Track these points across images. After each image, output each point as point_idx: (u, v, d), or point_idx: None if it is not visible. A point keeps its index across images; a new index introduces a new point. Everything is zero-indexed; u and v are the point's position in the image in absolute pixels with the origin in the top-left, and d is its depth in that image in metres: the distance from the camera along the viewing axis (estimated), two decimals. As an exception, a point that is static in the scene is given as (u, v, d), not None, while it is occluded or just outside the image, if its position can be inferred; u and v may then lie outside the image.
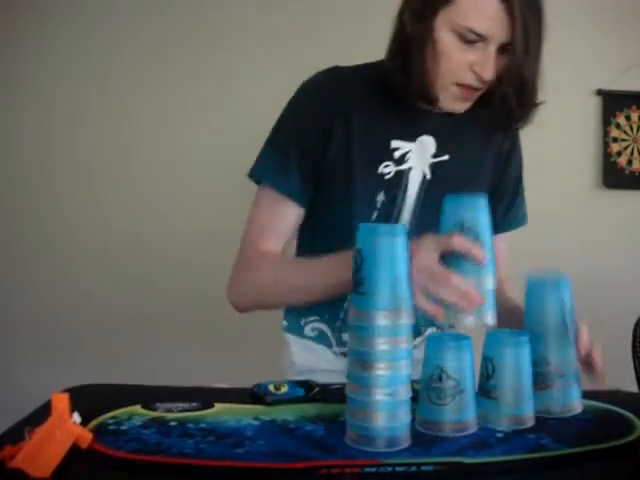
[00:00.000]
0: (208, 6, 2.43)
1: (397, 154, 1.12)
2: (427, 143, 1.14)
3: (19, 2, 2.41)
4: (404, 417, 0.83)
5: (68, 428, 0.80)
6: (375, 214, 1.13)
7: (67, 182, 2.45)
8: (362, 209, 1.12)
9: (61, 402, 0.81)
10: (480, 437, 0.87)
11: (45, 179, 2.45)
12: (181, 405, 0.96)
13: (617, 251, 2.51)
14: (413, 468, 0.77)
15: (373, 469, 0.77)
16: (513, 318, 1.05)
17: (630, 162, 2.54)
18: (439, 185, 1.13)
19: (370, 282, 0.81)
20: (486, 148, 1.19)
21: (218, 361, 2.34)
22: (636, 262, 2.51)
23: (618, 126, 2.53)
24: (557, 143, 2.31)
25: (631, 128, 2.54)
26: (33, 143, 2.45)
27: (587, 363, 0.98)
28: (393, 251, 0.82)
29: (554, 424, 0.93)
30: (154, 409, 0.95)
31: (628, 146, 2.54)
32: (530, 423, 0.92)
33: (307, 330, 1.23)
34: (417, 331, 1.21)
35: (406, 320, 0.82)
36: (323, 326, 1.22)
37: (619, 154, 2.54)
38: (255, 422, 0.91)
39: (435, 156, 1.14)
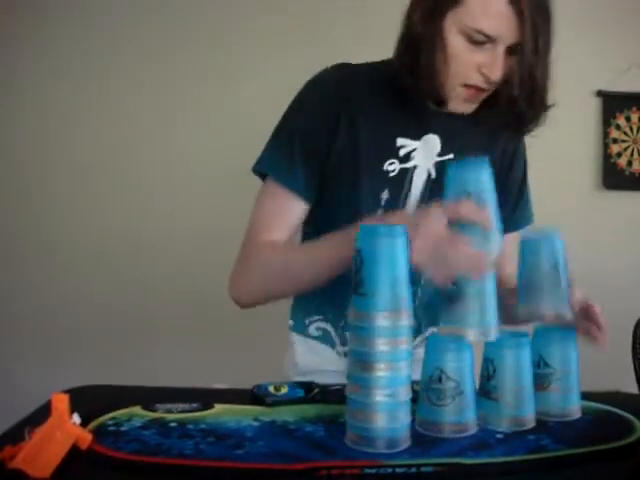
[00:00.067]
0: (208, 6, 2.43)
1: (402, 152, 1.12)
2: (432, 142, 1.14)
3: (19, 2, 2.41)
4: (404, 418, 0.83)
5: (68, 429, 0.80)
6: (380, 212, 1.13)
7: (67, 182, 2.46)
8: (367, 207, 1.12)
9: (61, 403, 0.81)
10: (480, 438, 0.87)
11: (45, 179, 2.46)
12: (181, 406, 0.96)
13: (617, 252, 2.51)
14: (413, 469, 0.77)
15: (373, 470, 0.77)
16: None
17: (630, 163, 2.54)
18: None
19: (370, 283, 0.81)
20: (491, 148, 1.19)
21: (218, 361, 2.34)
22: (636, 262, 2.52)
23: (618, 127, 2.53)
24: (557, 144, 2.31)
25: (631, 129, 2.54)
26: (33, 143, 2.45)
27: (586, 328, 0.98)
28: (393, 252, 0.81)
29: (554, 425, 0.93)
30: (154, 410, 0.94)
31: (628, 147, 2.54)
32: (531, 424, 0.92)
33: (311, 329, 1.23)
34: (418, 330, 1.21)
35: (406, 321, 0.82)
36: (327, 326, 1.22)
37: (619, 155, 2.54)
38: (255, 423, 0.91)
39: (440, 155, 1.14)
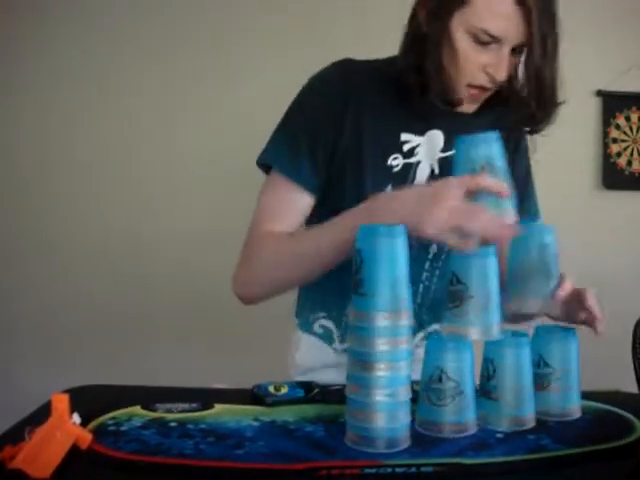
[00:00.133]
0: (208, 6, 2.43)
1: (406, 147, 1.12)
2: (436, 137, 1.14)
3: (19, 2, 2.41)
4: (404, 418, 0.83)
5: (68, 429, 0.80)
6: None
7: (67, 182, 2.45)
8: None
9: (61, 403, 0.81)
10: (480, 438, 0.87)
11: (45, 179, 2.45)
12: (181, 406, 0.96)
13: (617, 251, 2.52)
14: (413, 469, 0.77)
15: (373, 470, 0.77)
16: None
17: (630, 163, 2.54)
18: None
19: (370, 283, 0.81)
20: None
21: (218, 361, 2.34)
22: (636, 262, 2.52)
23: (618, 127, 2.54)
24: (557, 144, 2.30)
25: (631, 129, 2.54)
26: (33, 143, 2.45)
27: (583, 317, 0.99)
28: (393, 252, 0.82)
29: (554, 425, 0.93)
30: (154, 410, 0.94)
31: (628, 147, 2.54)
32: (531, 424, 0.92)
33: (316, 327, 1.24)
34: (420, 326, 1.20)
35: (406, 321, 0.82)
36: (329, 323, 1.22)
37: (619, 155, 2.54)
38: (255, 423, 0.91)
39: (443, 151, 1.14)
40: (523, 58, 1.06)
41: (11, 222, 2.46)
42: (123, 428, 0.88)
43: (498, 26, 1.00)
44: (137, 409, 0.95)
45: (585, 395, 0.99)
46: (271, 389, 1.01)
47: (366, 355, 0.81)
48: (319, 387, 1.03)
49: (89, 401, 0.95)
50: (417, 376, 0.89)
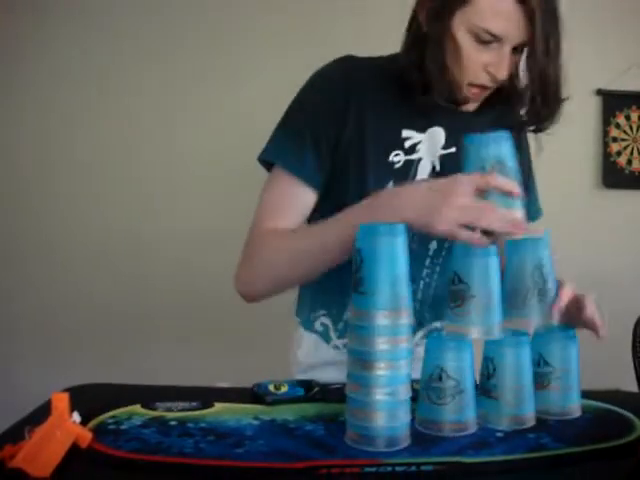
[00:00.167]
0: (208, 6, 2.43)
1: (407, 144, 1.12)
2: (437, 134, 1.14)
3: (19, 2, 2.41)
4: (404, 417, 0.83)
5: (68, 428, 0.80)
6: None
7: (67, 182, 2.46)
8: None
9: (61, 402, 0.81)
10: (480, 437, 0.87)
11: (45, 179, 2.46)
12: (181, 404, 0.96)
13: (617, 251, 2.52)
14: (413, 468, 0.77)
15: (373, 469, 0.77)
16: None
17: (630, 162, 2.54)
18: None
19: (370, 282, 0.81)
20: None
21: (218, 361, 2.34)
22: (636, 262, 2.52)
23: (618, 126, 2.54)
24: (557, 143, 2.30)
25: (631, 128, 2.54)
26: (33, 143, 2.45)
27: (584, 322, 0.98)
28: (393, 251, 0.82)
29: (554, 424, 0.93)
30: (154, 408, 0.95)
31: (628, 146, 2.54)
32: (531, 423, 0.92)
33: (317, 325, 1.24)
34: (420, 324, 1.20)
35: (406, 320, 0.82)
36: (328, 321, 1.22)
37: (619, 154, 2.54)
38: (255, 422, 0.91)
39: (444, 148, 1.15)
40: (524, 56, 1.06)
41: (11, 222, 2.46)
42: (123, 427, 0.88)
43: (499, 25, 1.00)
44: (137, 408, 0.95)
45: (585, 394, 0.99)
46: (271, 388, 1.01)
47: (366, 354, 0.81)
48: (319, 386, 1.03)
49: (89, 400, 0.95)
50: (417, 375, 0.89)
